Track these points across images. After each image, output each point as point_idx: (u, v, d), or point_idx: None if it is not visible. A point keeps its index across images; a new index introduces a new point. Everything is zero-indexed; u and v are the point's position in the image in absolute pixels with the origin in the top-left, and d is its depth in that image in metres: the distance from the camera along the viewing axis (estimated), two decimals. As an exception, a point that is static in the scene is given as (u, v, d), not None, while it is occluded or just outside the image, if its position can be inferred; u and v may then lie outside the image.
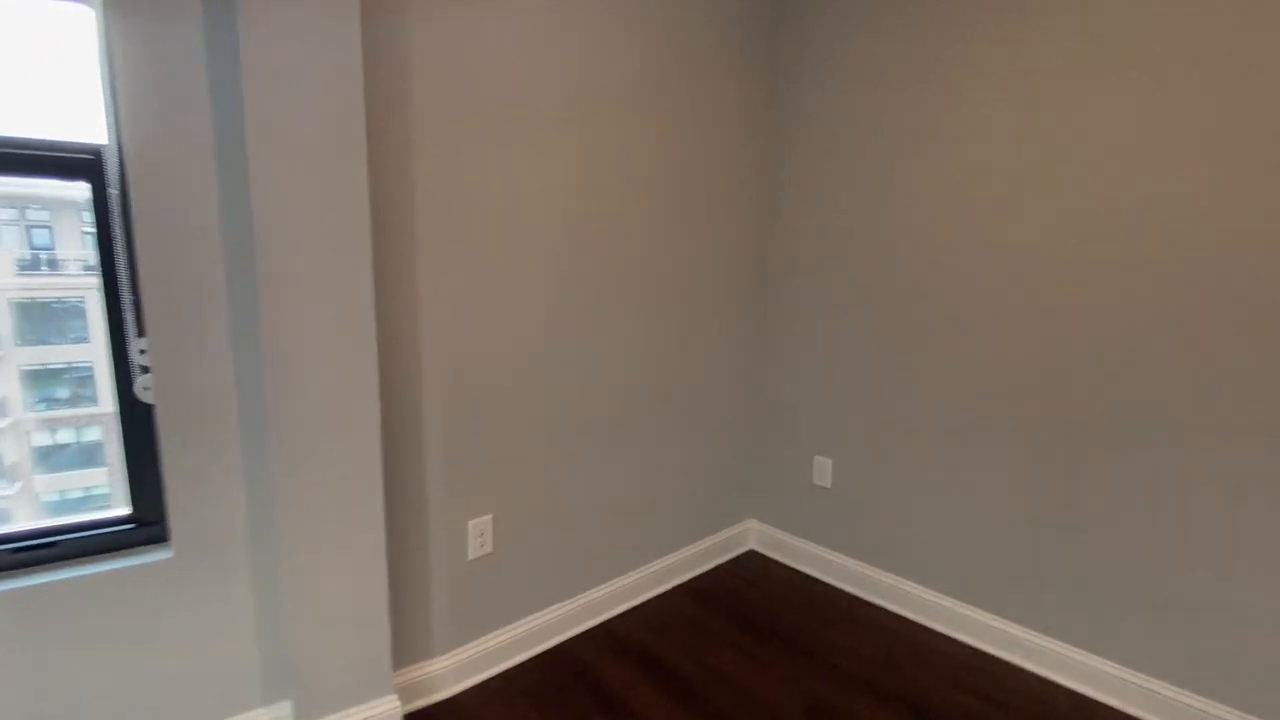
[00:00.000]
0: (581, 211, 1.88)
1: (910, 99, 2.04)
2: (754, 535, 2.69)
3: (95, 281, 1.31)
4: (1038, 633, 1.89)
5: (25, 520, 1.34)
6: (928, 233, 2.04)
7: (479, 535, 1.82)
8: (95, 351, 1.36)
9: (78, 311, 1.41)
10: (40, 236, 1.38)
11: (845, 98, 2.21)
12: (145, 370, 1.34)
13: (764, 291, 2.55)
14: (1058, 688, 1.84)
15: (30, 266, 1.40)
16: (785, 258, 2.46)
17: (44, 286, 1.44)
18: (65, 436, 1.53)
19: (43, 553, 1.29)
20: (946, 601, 2.09)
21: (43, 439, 1.51)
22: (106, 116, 1.26)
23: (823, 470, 2.40)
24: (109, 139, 1.27)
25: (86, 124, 1.26)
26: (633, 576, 2.24)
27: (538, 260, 1.80)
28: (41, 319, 1.42)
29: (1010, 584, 1.94)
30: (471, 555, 1.80)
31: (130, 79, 1.22)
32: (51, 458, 1.51)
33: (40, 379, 1.48)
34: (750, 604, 2.27)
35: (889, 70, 2.08)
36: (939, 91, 1.98)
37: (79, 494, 1.51)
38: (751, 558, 2.62)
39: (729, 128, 2.28)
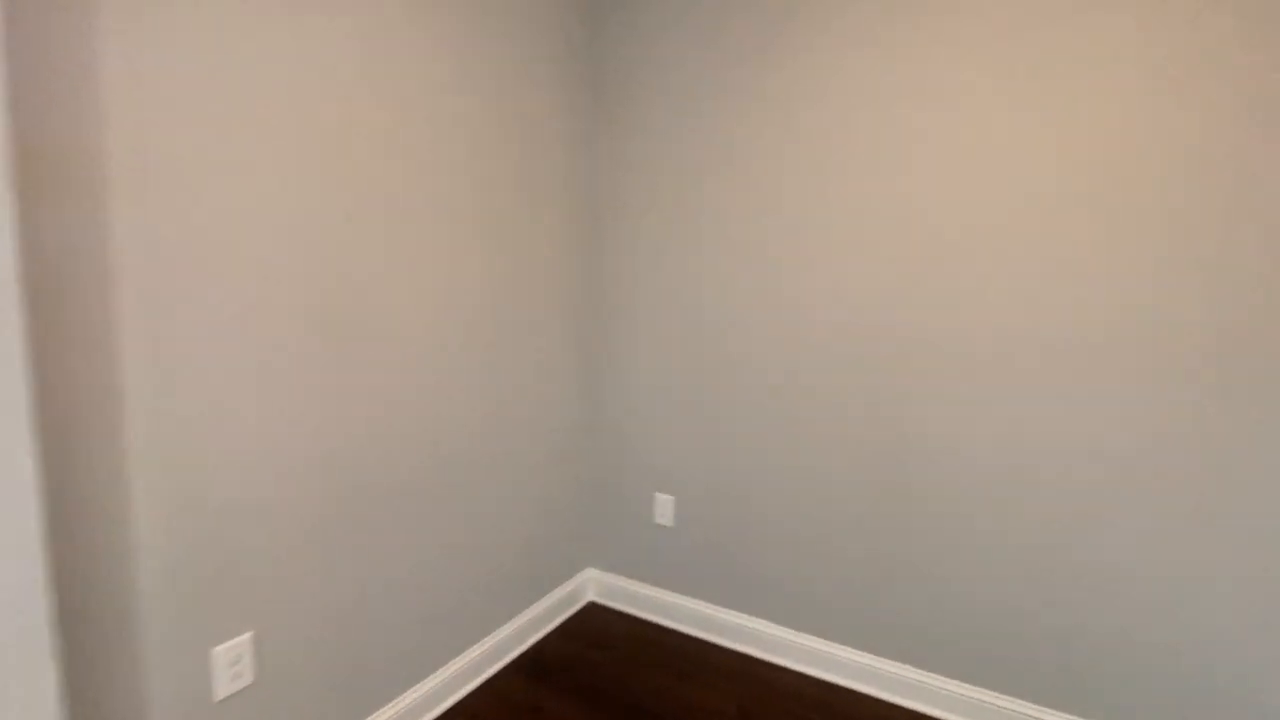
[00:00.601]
0: (355, 245, 1.49)
1: (727, 119, 1.98)
2: (593, 586, 2.45)
3: None
4: (889, 660, 1.89)
5: None
6: (760, 255, 1.98)
7: (232, 664, 1.33)
8: None
9: None
10: None
11: (663, 114, 2.09)
12: None
13: (592, 318, 2.33)
14: (908, 712, 1.84)
15: None
16: (613, 280, 2.27)
17: None
18: None
19: None
20: (798, 638, 2.02)
21: None
22: None
23: (664, 508, 2.24)
24: None
25: None
26: (454, 667, 1.86)
27: (291, 306, 1.38)
28: None
29: (858, 614, 1.93)
30: (221, 693, 1.31)
31: None
32: None
33: None
34: (594, 670, 2.01)
35: (701, 89, 2.01)
36: (757, 111, 1.93)
37: None
38: (592, 612, 2.37)
39: (540, 143, 2.04)
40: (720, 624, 2.16)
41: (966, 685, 1.78)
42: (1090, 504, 1.59)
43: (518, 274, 1.99)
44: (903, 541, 1.83)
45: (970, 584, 1.74)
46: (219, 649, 1.30)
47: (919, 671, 1.84)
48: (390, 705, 1.66)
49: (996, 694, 1.74)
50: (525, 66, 1.94)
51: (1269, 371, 1.38)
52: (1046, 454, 1.63)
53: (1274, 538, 1.40)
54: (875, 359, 1.82)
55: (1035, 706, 1.69)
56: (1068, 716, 1.66)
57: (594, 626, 2.27)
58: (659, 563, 2.27)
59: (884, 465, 1.84)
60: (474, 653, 1.93)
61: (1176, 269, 1.46)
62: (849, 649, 1.94)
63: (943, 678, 1.81)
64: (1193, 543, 1.49)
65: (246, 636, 1.35)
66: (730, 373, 2.06)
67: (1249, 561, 1.43)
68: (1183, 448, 1.48)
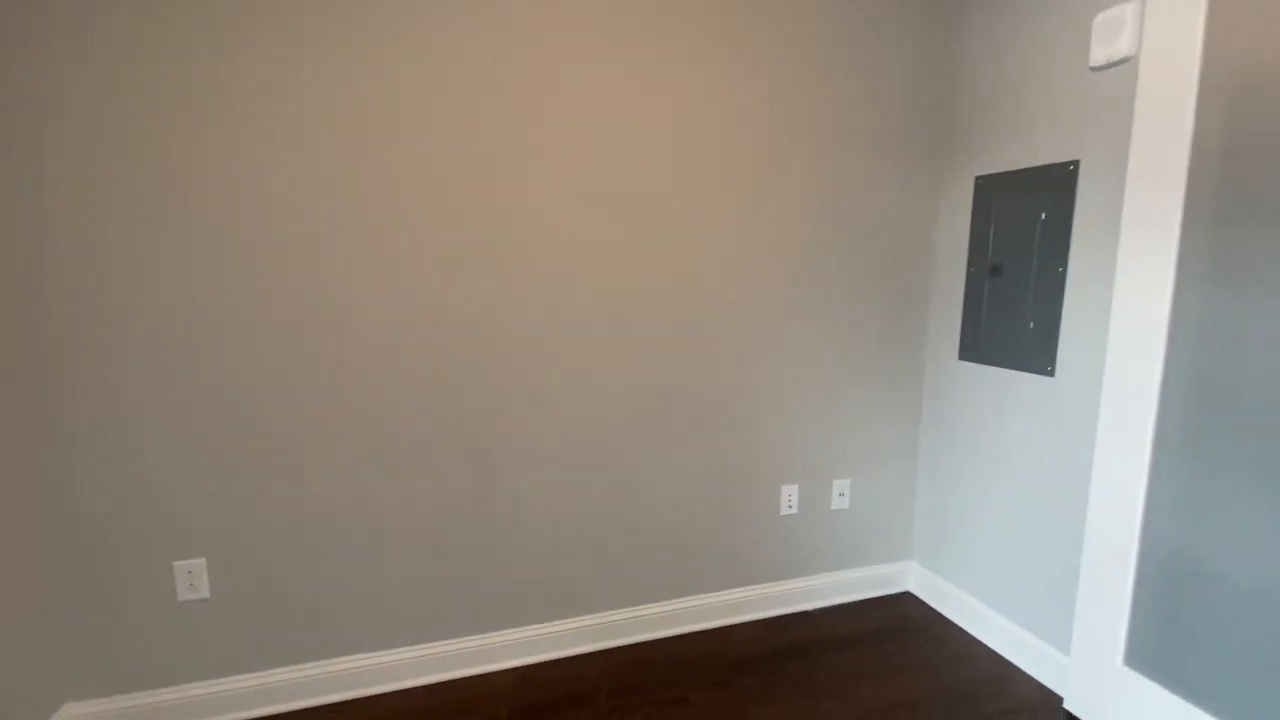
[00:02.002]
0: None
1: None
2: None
3: None
4: (479, 634, 1.78)
5: None
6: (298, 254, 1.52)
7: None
8: None
9: None
10: None
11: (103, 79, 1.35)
12: None
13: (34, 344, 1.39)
14: (504, 673, 1.78)
15: None
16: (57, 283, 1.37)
17: None
18: None
19: None
20: (389, 655, 1.70)
21: None
22: None
23: (193, 577, 1.52)
24: None
25: None
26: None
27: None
28: None
29: (442, 602, 1.73)
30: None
31: None
32: None
33: None
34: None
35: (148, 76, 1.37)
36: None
37: None
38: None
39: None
40: (294, 687, 1.63)
41: (559, 622, 1.84)
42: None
43: None
44: (493, 520, 1.73)
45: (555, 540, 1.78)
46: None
47: (527, 629, 1.81)
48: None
49: (581, 618, 1.85)
50: None
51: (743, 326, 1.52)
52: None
53: (733, 437, 1.56)
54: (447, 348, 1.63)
55: (610, 612, 1.84)
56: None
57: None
58: (191, 649, 1.56)
59: (467, 445, 1.68)
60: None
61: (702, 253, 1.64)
62: (441, 642, 1.75)
63: (544, 625, 1.83)
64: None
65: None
66: (258, 391, 1.52)
67: (722, 456, 1.60)
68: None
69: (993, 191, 1.85)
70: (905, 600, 2.18)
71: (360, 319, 1.54)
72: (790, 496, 2.01)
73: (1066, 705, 1.62)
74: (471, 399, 1.65)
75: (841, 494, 2.08)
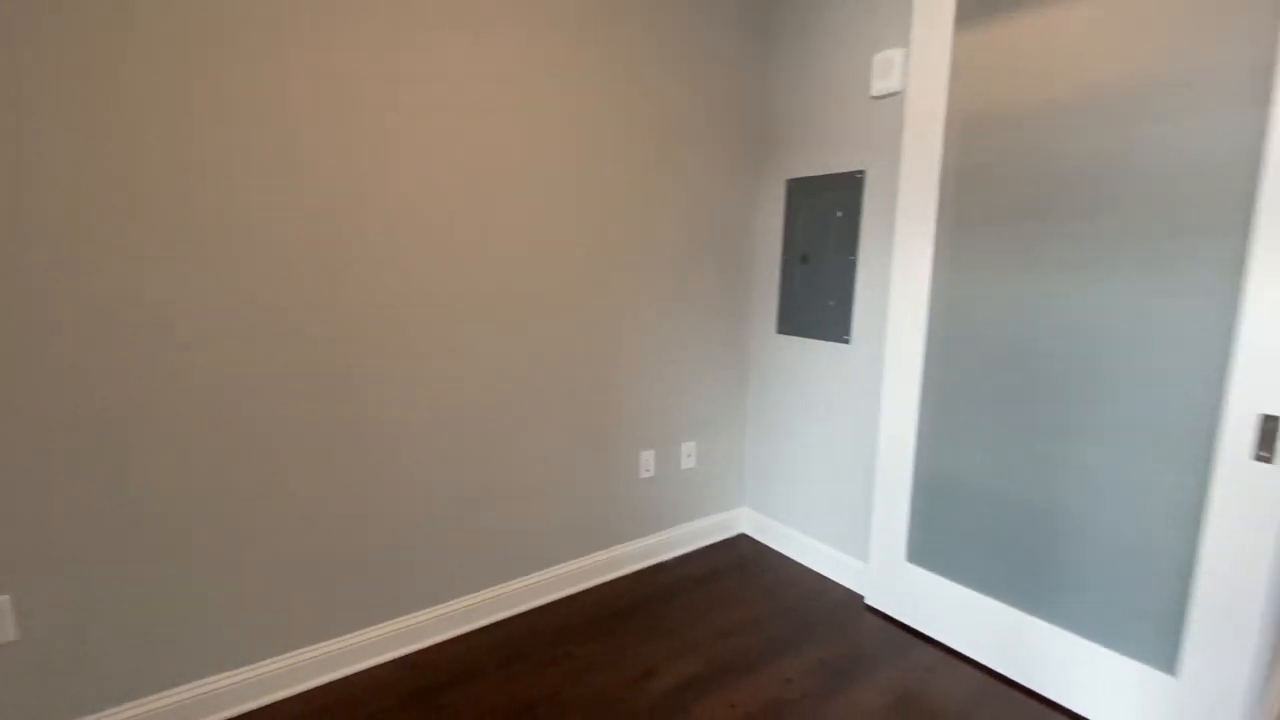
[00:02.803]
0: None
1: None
2: None
3: None
4: (359, 630, 1.73)
5: None
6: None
7: None
8: None
9: None
10: None
11: None
12: None
13: None
14: (389, 664, 1.76)
15: None
16: None
17: None
18: None
19: None
20: (256, 669, 1.58)
21: None
22: None
23: None
24: None
25: None
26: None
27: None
28: None
29: (312, 602, 1.65)
30: None
31: None
32: None
33: None
34: None
35: None
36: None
37: None
38: None
39: None
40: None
41: (441, 606, 1.85)
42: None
43: None
44: (360, 517, 1.69)
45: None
46: None
47: (409, 617, 1.80)
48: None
49: (462, 598, 1.88)
50: None
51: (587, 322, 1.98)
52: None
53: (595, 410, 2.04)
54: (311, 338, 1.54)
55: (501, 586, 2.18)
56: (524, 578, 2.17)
57: None
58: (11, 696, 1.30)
59: (333, 455, 1.62)
60: None
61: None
62: (334, 641, 1.69)
63: (426, 610, 1.82)
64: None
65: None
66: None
67: (588, 429, 2.07)
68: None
69: (800, 192, 2.21)
70: (741, 541, 2.54)
71: (190, 310, 1.39)
72: (648, 461, 2.24)
73: (867, 600, 2.08)
74: (329, 382, 1.59)
75: (689, 455, 2.36)
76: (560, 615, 2.01)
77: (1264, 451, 1.23)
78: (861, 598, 2.12)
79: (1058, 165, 1.52)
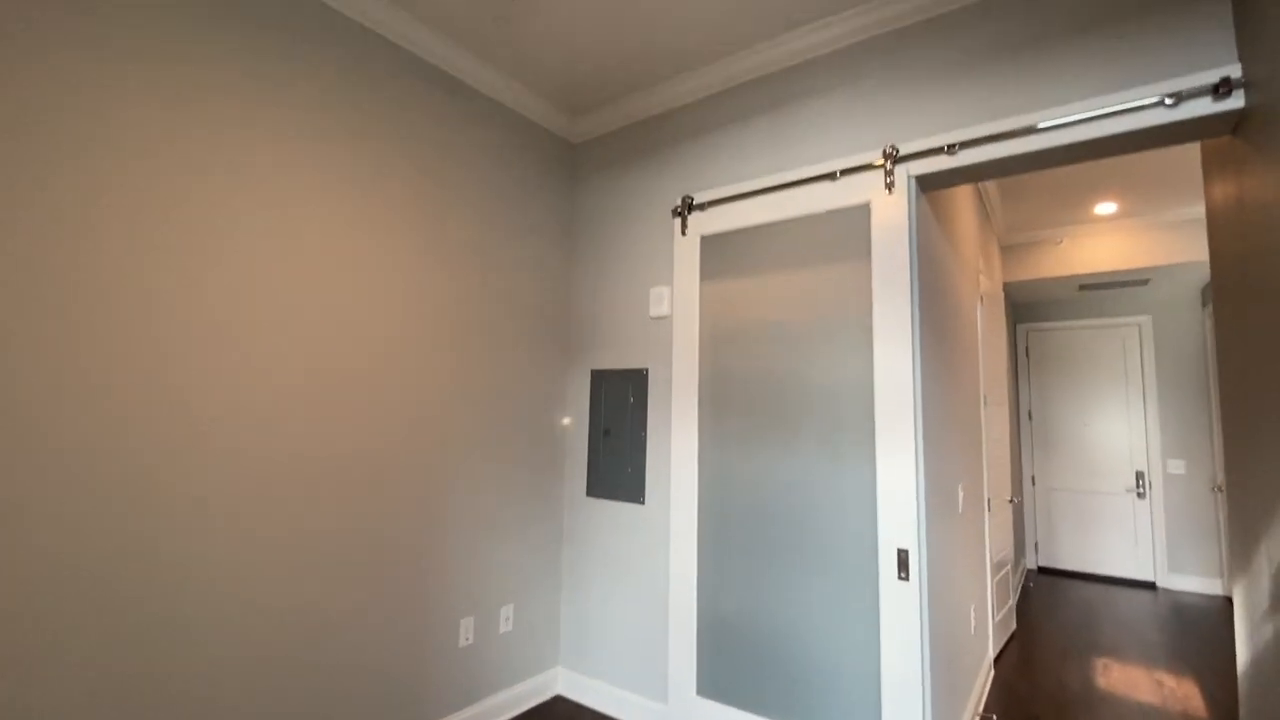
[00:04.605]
0: None
1: None
2: None
3: None
4: None
5: None
6: None
7: None
8: None
9: None
10: None
11: None
12: None
13: None
14: None
15: None
16: None
17: None
18: None
19: None
20: None
21: None
22: None
23: None
24: None
25: None
26: None
27: None
28: None
29: None
30: None
31: None
32: None
33: None
34: None
35: None
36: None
37: None
38: None
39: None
40: None
41: None
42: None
43: None
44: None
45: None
46: None
47: None
48: None
49: None
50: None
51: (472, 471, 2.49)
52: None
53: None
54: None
55: None
56: None
57: None
58: None
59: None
60: None
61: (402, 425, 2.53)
62: None
63: None
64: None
65: None
66: None
67: (406, 598, 2.45)
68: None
69: (602, 380, 2.75)
70: (557, 704, 2.65)
71: None
72: (468, 629, 2.35)
73: (668, 741, 2.32)
74: (130, 570, 1.58)
75: (507, 618, 2.51)
76: (370, 806, 1.93)
77: (903, 573, 1.85)
78: (664, 739, 2.36)
79: (765, 373, 2.22)
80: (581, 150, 2.97)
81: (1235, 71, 1.56)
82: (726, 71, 2.42)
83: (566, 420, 2.85)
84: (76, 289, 1.49)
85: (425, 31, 2.25)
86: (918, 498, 1.87)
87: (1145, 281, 4.57)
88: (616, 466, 2.66)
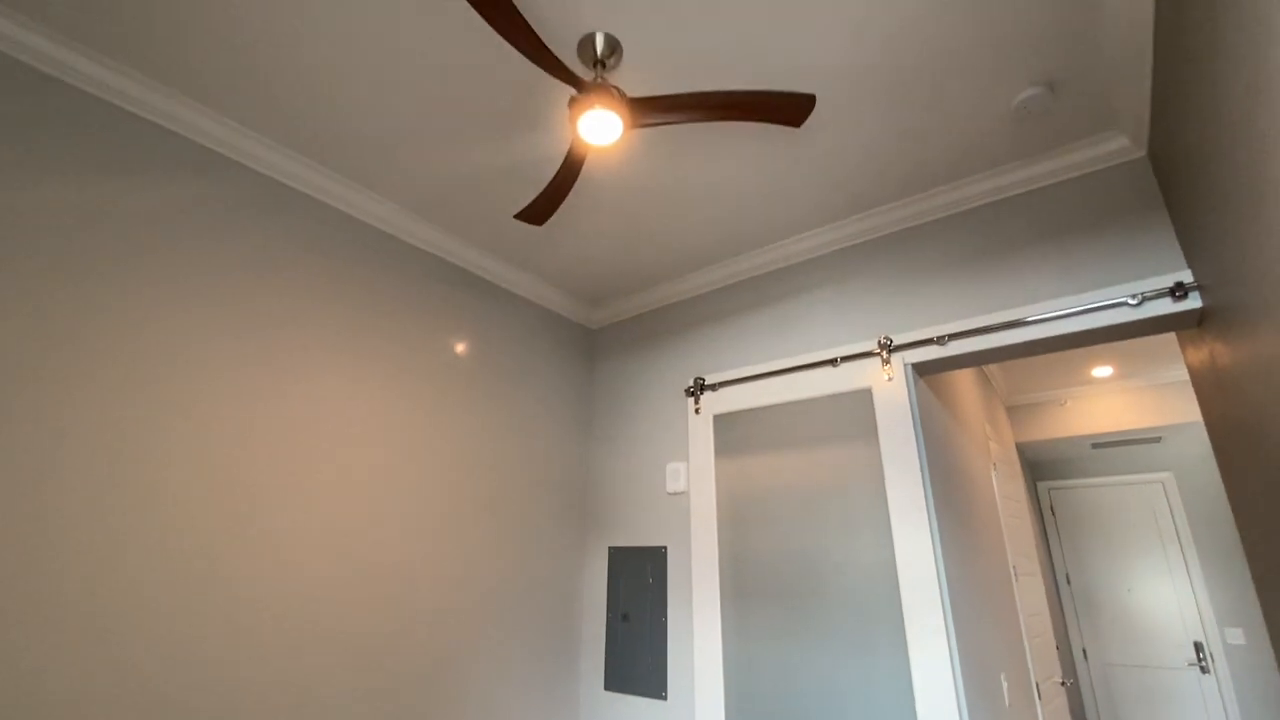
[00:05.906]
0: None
1: None
2: None
3: None
4: None
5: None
6: None
7: None
8: None
9: None
10: None
11: None
12: None
13: None
14: None
15: None
16: None
17: None
18: None
19: None
20: None
21: None
22: None
23: None
24: None
25: None
26: None
27: None
28: None
29: None
30: None
31: None
32: None
33: None
34: None
35: None
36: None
37: None
38: None
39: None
40: None
41: None
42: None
43: None
44: None
45: None
46: None
47: None
48: None
49: None
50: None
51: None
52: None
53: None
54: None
55: None
56: None
57: None
58: None
59: None
60: None
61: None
62: None
63: None
64: None
65: None
66: None
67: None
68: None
69: (620, 559, 2.72)
70: None
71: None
72: None
73: None
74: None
75: (517, 840, 2.25)
76: None
77: (953, 784, 1.70)
78: None
79: (786, 554, 2.20)
80: (598, 335, 3.22)
81: (1188, 276, 1.75)
82: (727, 270, 2.71)
83: (584, 601, 2.77)
84: (144, 509, 1.59)
85: (474, 252, 2.58)
86: (957, 694, 1.77)
87: (1158, 439, 4.59)
88: (636, 655, 2.53)
